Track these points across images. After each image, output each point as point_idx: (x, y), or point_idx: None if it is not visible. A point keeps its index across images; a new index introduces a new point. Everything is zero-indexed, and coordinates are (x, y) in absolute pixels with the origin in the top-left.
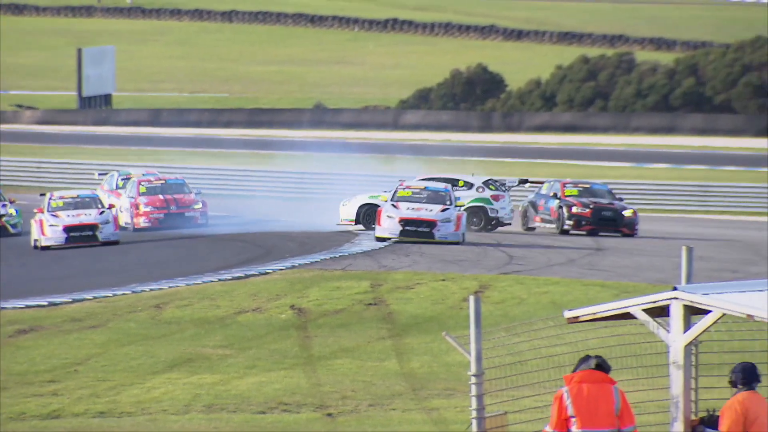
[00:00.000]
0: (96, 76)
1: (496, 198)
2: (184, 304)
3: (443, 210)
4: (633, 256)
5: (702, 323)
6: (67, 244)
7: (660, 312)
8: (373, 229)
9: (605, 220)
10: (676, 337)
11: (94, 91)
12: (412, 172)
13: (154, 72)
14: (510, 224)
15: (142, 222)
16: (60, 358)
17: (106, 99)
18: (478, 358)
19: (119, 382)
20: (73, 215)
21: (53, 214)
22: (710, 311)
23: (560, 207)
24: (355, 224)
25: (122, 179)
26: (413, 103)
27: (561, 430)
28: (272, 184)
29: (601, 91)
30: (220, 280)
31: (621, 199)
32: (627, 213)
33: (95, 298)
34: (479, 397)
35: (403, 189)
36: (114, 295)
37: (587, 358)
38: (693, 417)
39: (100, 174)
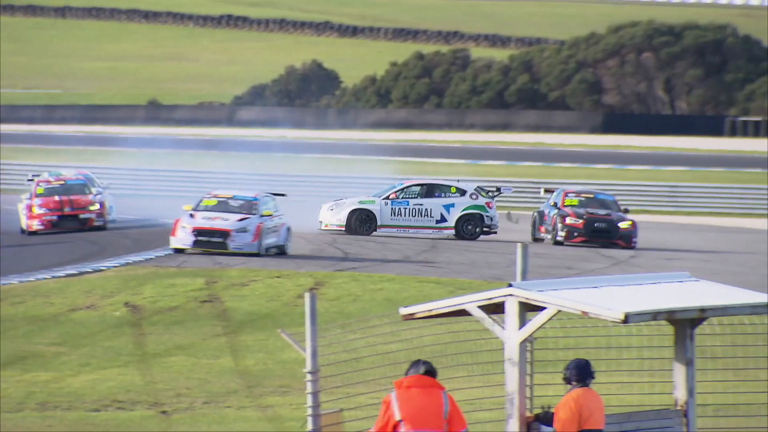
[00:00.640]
0: None
1: (489, 205)
2: (17, 301)
3: (241, 219)
4: (468, 252)
5: (537, 320)
6: None
7: (495, 309)
8: (369, 234)
9: (598, 232)
10: (511, 333)
11: None
12: (245, 169)
13: None
14: (496, 232)
15: (35, 225)
16: None
17: None
18: (314, 355)
19: None
20: None
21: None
22: (545, 308)
23: (555, 217)
24: (346, 231)
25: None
26: (248, 100)
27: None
28: (106, 180)
29: (436, 87)
30: (53, 277)
31: (626, 210)
32: (623, 225)
33: None
34: (315, 394)
35: (209, 198)
36: None
37: (417, 363)
38: (528, 414)
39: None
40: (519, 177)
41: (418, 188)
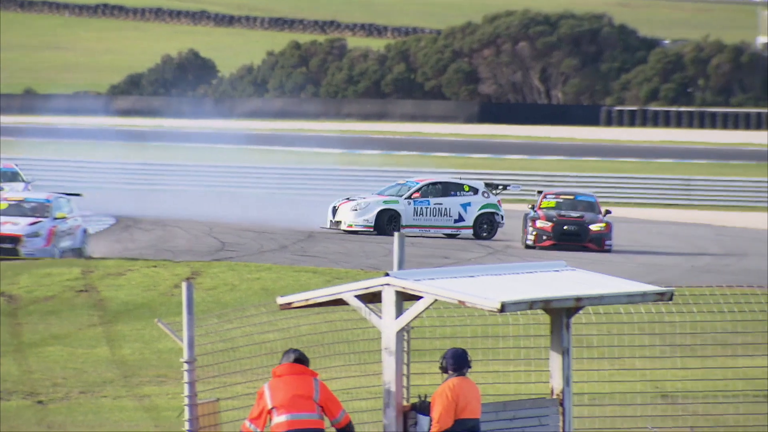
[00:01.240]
0: None
1: (499, 203)
2: None
3: (32, 224)
4: (344, 242)
5: (414, 309)
6: None
7: (372, 298)
8: (392, 234)
9: (568, 235)
10: (388, 323)
11: None
12: (121, 159)
13: None
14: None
15: None
16: None
17: None
18: (191, 345)
19: None
20: None
21: None
22: (422, 297)
23: (527, 220)
24: (375, 231)
25: None
26: (124, 89)
27: (259, 421)
28: None
29: (313, 77)
30: None
31: (609, 212)
32: (595, 227)
33: None
34: (191, 383)
35: (1, 201)
36: None
37: (288, 351)
38: (405, 403)
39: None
40: (395, 167)
41: (435, 187)
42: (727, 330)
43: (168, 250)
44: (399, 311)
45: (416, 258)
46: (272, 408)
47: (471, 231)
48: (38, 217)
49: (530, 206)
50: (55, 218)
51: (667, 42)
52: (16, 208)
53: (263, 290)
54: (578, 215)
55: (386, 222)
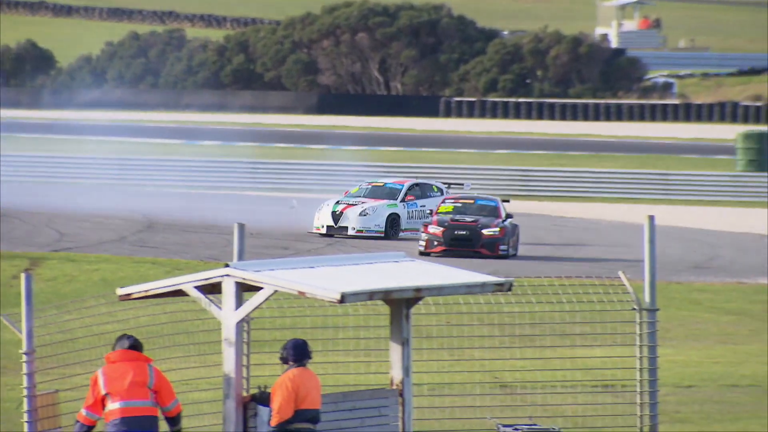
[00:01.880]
0: None
1: None
2: None
3: None
4: (185, 233)
5: (254, 300)
6: None
7: (213, 289)
8: (396, 239)
9: (459, 240)
10: (228, 314)
11: None
12: None
13: None
14: None
15: None
16: None
17: None
18: (30, 336)
19: None
20: None
21: None
22: (262, 288)
23: (422, 225)
24: (384, 237)
25: None
26: None
27: (96, 408)
28: None
29: (152, 67)
30: None
31: (510, 216)
32: (488, 232)
33: None
34: (30, 375)
35: None
36: None
37: (122, 337)
38: (245, 394)
39: None
40: (234, 157)
41: (417, 189)
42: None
43: (7, 241)
44: (239, 302)
45: (256, 249)
46: (106, 394)
47: None
48: None
49: (428, 211)
50: None
51: (505, 33)
52: None
53: (102, 281)
54: (472, 220)
55: (390, 226)
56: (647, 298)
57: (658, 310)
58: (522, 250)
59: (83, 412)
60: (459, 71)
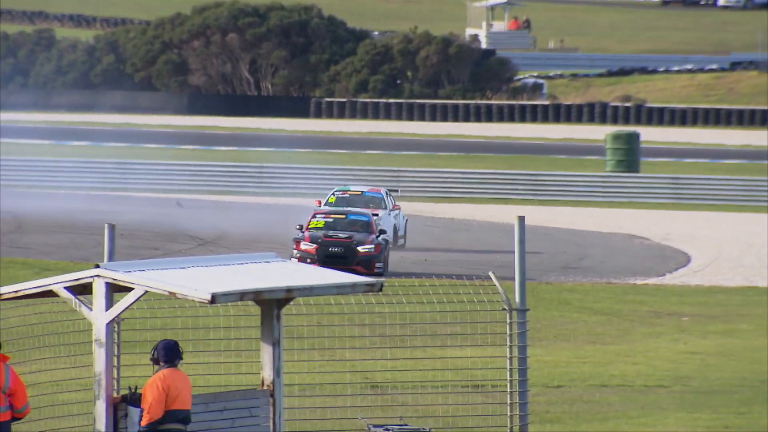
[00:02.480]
0: None
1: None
2: None
3: None
4: (55, 234)
5: (124, 301)
6: None
7: (83, 290)
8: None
9: (333, 258)
10: (98, 314)
11: None
12: None
13: None
14: None
15: None
16: None
17: None
18: None
19: None
20: None
21: None
22: (133, 289)
23: (293, 241)
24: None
25: None
26: None
27: None
28: None
29: (21, 68)
30: None
31: (383, 232)
32: (363, 249)
33: None
34: None
35: None
36: None
37: None
38: (116, 395)
39: None
40: (104, 158)
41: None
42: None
43: None
44: (110, 303)
45: (127, 249)
46: None
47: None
48: None
49: (298, 226)
50: None
51: (376, 34)
52: None
53: None
54: (346, 236)
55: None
56: (517, 298)
57: (528, 310)
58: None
59: None
60: (329, 72)
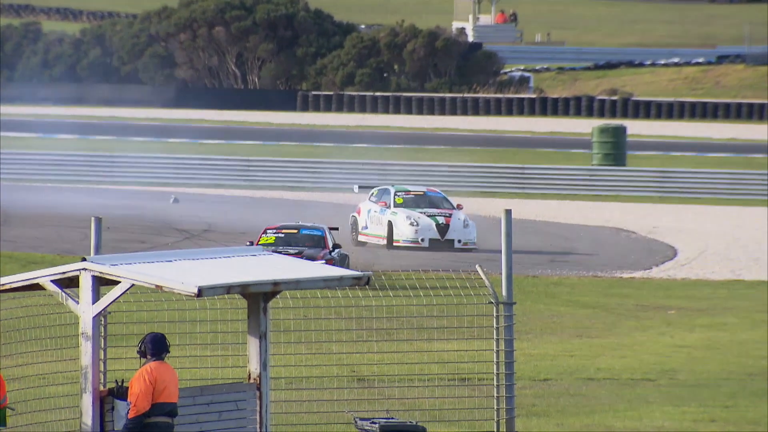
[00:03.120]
0: None
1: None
2: None
3: None
4: (41, 227)
5: (111, 294)
6: None
7: (70, 283)
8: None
9: None
10: (85, 308)
11: None
12: None
13: None
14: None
15: None
16: None
17: None
18: None
19: None
20: None
21: None
22: (119, 282)
23: None
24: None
25: None
26: None
27: None
28: None
29: (8, 61)
30: None
31: (338, 246)
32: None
33: None
34: None
35: None
36: None
37: None
38: (102, 388)
39: None
40: (92, 151)
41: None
42: (423, 314)
43: None
44: (96, 296)
45: (113, 243)
46: None
47: None
48: None
49: (248, 243)
50: None
51: (362, 27)
52: None
53: None
54: (296, 251)
55: None
56: (504, 291)
57: (514, 303)
58: (376, 246)
59: None
60: (316, 65)
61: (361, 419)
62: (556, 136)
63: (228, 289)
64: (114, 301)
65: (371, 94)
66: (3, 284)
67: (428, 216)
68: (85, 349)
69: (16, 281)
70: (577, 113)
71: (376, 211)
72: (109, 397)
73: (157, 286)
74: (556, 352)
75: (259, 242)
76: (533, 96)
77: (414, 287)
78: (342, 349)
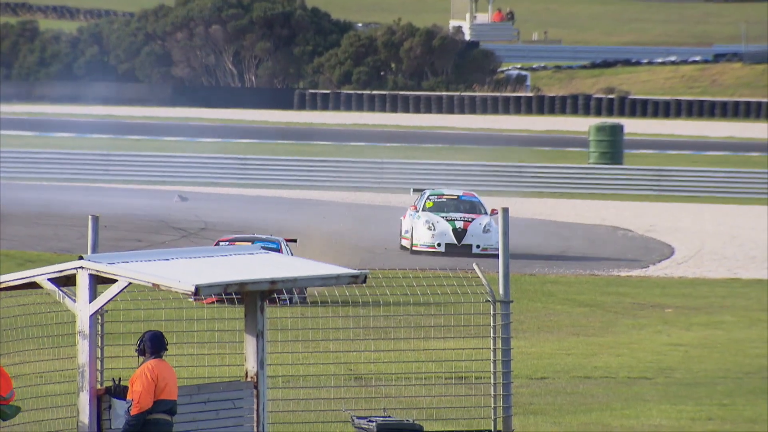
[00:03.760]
0: None
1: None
2: None
3: None
4: (38, 225)
5: (108, 292)
6: None
7: (67, 281)
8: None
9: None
10: (82, 306)
11: None
12: None
13: None
14: None
15: None
16: None
17: None
18: None
19: None
20: None
21: None
22: (117, 280)
23: None
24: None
25: None
26: None
27: None
28: None
29: (5, 59)
30: None
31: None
32: None
33: None
34: None
35: None
36: None
37: None
38: (99, 387)
39: None
40: (88, 149)
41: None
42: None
43: None
44: (93, 295)
45: (110, 241)
46: None
47: None
48: None
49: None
50: None
51: (359, 25)
52: None
53: None
54: None
55: None
56: (501, 290)
57: (511, 302)
58: (375, 243)
59: None
60: (313, 64)
61: (359, 418)
62: (553, 135)
63: (225, 287)
64: (111, 299)
65: (368, 92)
66: (0, 283)
67: (447, 221)
68: (82, 347)
69: (13, 280)
70: (574, 112)
71: (411, 215)
72: (106, 395)
73: (154, 284)
74: (553, 350)
75: None
76: (530, 94)
77: (411, 285)
78: (339, 348)
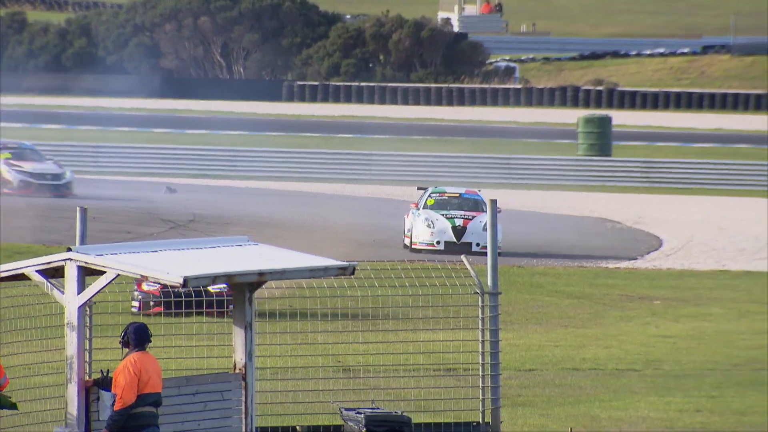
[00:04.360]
0: None
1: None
2: None
3: None
4: (26, 217)
5: (96, 284)
6: None
7: (55, 273)
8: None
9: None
10: (71, 298)
11: None
12: None
13: None
14: None
15: None
16: None
17: None
18: None
19: None
20: None
21: None
22: (105, 272)
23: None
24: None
25: None
26: None
27: None
28: None
29: None
30: None
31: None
32: (215, 288)
33: None
34: None
35: None
36: None
37: None
38: (87, 378)
39: None
40: (77, 141)
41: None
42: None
43: None
44: (82, 286)
45: (99, 233)
46: None
47: None
48: None
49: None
50: None
51: (348, 17)
52: None
53: None
54: None
55: None
56: (489, 281)
57: (500, 293)
58: (362, 234)
59: None
60: (301, 55)
61: (347, 409)
62: (542, 127)
63: (213, 279)
64: (99, 291)
65: (357, 84)
66: None
67: (447, 218)
68: (71, 339)
69: (2, 271)
70: (563, 103)
71: (412, 212)
72: (95, 387)
73: (142, 276)
74: (542, 342)
75: None
76: (519, 86)
77: (399, 277)
78: (327, 340)
